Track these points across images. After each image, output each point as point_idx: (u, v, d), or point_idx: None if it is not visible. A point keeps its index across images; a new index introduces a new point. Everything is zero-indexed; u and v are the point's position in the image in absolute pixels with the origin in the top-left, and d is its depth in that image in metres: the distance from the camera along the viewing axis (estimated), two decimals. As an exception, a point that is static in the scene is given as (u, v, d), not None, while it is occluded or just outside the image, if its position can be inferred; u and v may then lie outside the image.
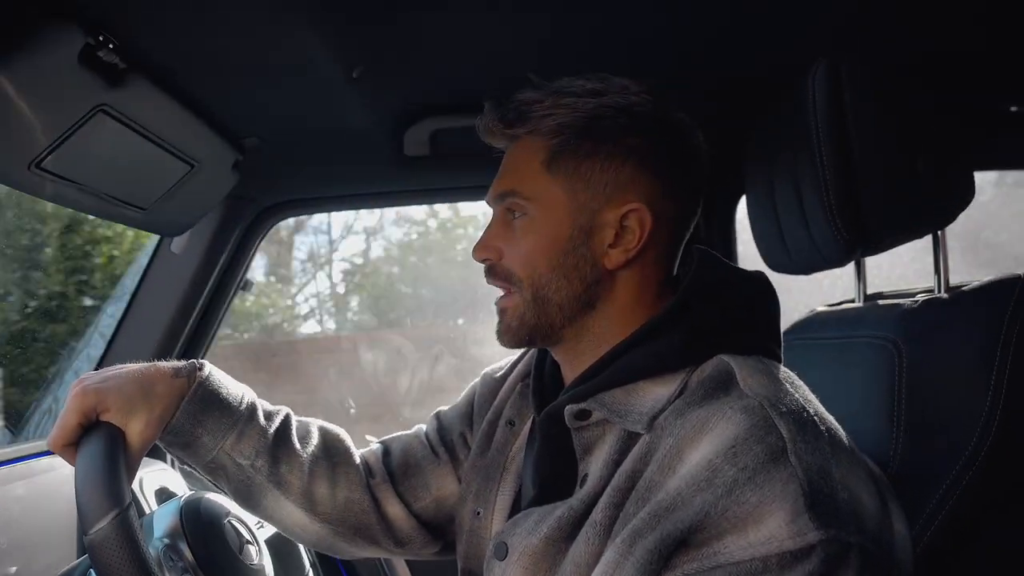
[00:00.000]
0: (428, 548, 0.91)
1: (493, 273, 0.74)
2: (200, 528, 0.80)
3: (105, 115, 0.82)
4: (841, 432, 0.63)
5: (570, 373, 0.75)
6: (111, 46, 0.75)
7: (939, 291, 0.87)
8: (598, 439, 0.68)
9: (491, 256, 0.74)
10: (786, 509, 0.53)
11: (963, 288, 0.83)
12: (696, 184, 0.73)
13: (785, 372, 0.67)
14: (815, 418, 0.60)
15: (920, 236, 0.86)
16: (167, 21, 0.76)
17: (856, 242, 0.82)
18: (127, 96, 0.83)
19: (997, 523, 0.73)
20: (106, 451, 0.69)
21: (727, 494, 0.54)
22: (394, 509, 0.88)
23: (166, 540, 0.76)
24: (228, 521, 0.86)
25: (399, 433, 0.96)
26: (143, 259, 1.37)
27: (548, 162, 0.70)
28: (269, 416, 0.86)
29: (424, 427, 0.96)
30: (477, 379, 0.94)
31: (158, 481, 1.22)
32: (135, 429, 0.73)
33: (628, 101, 0.70)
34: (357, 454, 0.92)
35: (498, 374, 0.91)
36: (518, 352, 0.90)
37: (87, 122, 0.80)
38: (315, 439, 0.89)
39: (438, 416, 0.95)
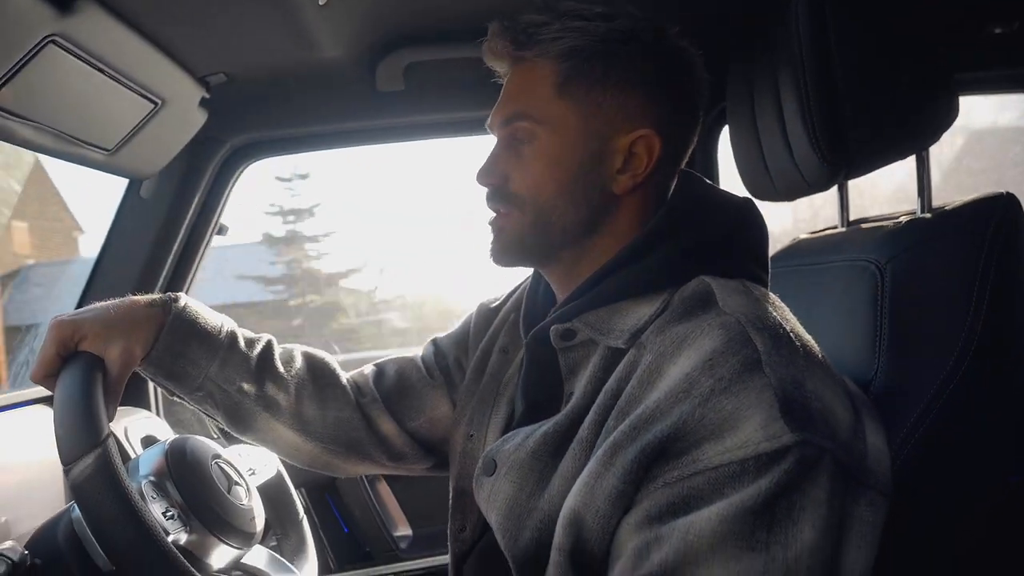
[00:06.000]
0: (421, 463, 0.93)
1: (497, 197, 0.73)
2: (186, 468, 0.79)
3: (57, 46, 0.78)
4: (816, 348, 0.64)
5: (562, 295, 0.76)
6: None
7: (922, 212, 0.87)
8: (583, 359, 0.68)
9: (497, 181, 0.73)
10: (761, 415, 0.54)
11: (946, 208, 0.83)
12: (698, 110, 0.74)
13: (765, 292, 0.68)
14: (791, 334, 0.61)
15: (903, 157, 0.85)
16: None
17: (840, 164, 0.81)
18: (80, 26, 0.78)
19: (971, 438, 0.74)
20: (83, 382, 0.68)
21: (703, 403, 0.55)
22: (386, 426, 0.90)
23: (152, 478, 0.75)
24: (216, 463, 0.85)
25: (394, 356, 0.97)
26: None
27: (560, 85, 0.69)
28: (250, 343, 0.86)
29: (420, 352, 0.97)
30: (473, 309, 0.94)
31: (144, 429, 1.22)
32: (113, 354, 0.74)
33: (636, 27, 0.69)
34: (343, 376, 0.92)
35: (493, 304, 0.92)
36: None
37: (38, 54, 0.76)
38: (299, 363, 0.90)
39: (435, 342, 0.96)
